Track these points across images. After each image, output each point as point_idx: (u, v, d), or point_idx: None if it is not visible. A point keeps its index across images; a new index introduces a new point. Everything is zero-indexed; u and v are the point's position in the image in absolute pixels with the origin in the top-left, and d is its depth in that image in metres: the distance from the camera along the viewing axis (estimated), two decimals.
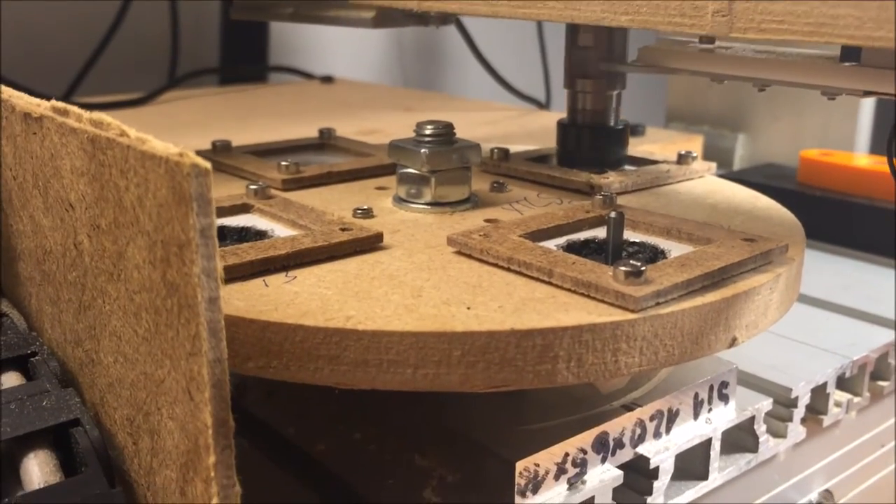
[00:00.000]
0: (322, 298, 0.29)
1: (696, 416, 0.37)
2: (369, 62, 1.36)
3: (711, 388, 0.37)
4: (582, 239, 0.35)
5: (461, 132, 0.40)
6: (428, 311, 0.28)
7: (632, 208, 0.38)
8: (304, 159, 0.48)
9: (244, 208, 0.38)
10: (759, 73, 0.38)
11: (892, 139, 0.38)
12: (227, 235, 0.36)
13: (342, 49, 1.31)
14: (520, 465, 0.31)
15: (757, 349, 0.44)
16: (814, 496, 0.45)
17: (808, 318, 0.49)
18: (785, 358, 0.43)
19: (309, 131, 0.53)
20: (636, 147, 0.76)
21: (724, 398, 0.38)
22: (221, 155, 0.46)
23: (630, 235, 0.36)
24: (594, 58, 0.44)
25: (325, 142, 0.51)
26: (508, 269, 0.32)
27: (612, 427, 0.34)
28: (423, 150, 0.38)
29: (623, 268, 0.29)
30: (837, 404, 0.44)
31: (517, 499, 0.31)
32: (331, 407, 0.36)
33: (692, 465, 0.38)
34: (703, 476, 0.37)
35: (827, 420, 0.43)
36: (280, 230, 0.36)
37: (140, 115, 0.87)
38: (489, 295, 0.30)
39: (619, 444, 0.34)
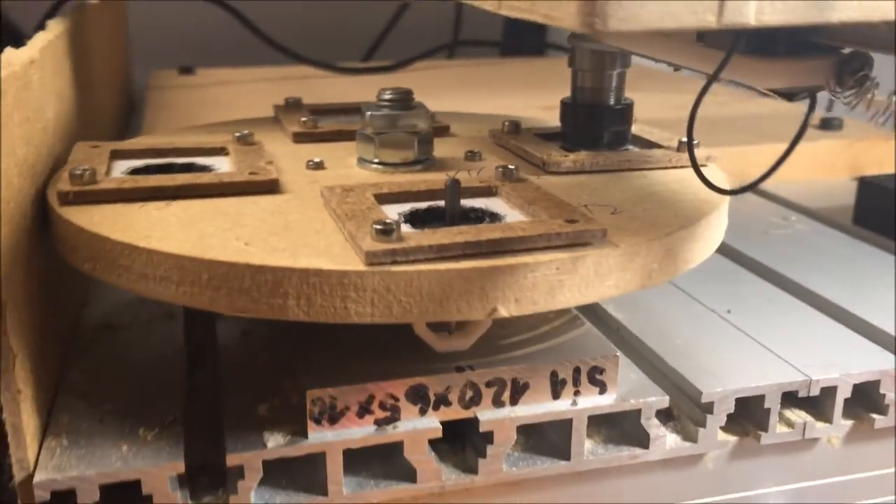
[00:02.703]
0: (160, 223, 0.35)
1: (555, 394, 0.37)
2: None
3: (578, 370, 0.37)
4: (425, 207, 0.37)
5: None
6: (211, 242, 0.33)
7: (526, 180, 0.39)
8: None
9: (221, 151, 0.44)
10: (704, 66, 0.36)
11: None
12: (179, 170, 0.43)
13: None
14: (312, 394, 0.35)
15: (713, 349, 0.42)
16: None
17: (814, 324, 0.45)
18: (735, 361, 0.41)
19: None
20: (821, 140, 0.70)
21: (599, 384, 0.37)
22: (282, 111, 0.53)
23: (495, 205, 0.37)
24: (584, 37, 0.44)
25: None
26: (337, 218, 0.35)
27: (433, 382, 0.36)
28: (368, 113, 0.42)
29: (376, 225, 0.31)
30: (789, 423, 0.40)
31: (310, 425, 0.35)
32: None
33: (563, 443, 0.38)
34: (567, 457, 0.38)
35: (766, 438, 0.39)
36: (224, 170, 0.42)
37: (384, 81, 0.98)
38: (292, 237, 0.33)
39: (444, 401, 0.36)
